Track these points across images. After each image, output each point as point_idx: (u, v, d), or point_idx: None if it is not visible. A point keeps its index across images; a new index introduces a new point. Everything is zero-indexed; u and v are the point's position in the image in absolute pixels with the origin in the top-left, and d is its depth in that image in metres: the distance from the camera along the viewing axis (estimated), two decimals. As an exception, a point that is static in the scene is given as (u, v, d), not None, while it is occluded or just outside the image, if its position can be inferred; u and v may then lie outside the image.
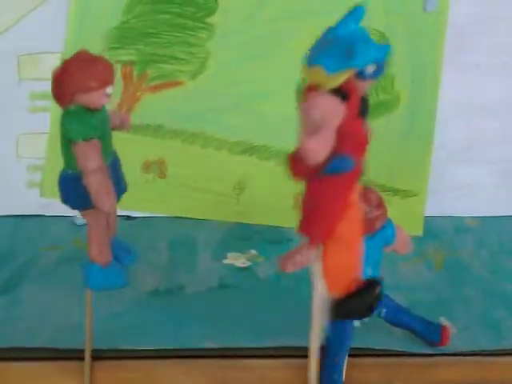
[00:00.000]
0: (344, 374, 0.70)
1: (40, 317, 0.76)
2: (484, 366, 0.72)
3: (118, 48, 0.92)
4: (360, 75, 0.52)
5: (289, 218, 0.89)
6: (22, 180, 0.93)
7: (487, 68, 0.92)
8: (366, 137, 0.56)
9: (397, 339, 0.73)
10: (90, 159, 0.59)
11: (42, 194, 0.93)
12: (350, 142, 0.54)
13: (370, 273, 0.66)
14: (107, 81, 0.59)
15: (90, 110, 0.59)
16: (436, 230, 0.91)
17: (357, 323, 0.72)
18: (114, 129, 0.65)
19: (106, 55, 0.90)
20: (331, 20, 0.89)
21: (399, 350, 0.73)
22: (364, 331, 0.71)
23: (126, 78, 0.92)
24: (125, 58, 0.92)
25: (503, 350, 0.74)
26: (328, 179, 0.54)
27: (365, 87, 0.54)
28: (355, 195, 0.57)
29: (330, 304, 0.60)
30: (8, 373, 0.71)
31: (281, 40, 0.91)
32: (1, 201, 0.92)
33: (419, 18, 0.90)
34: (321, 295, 0.59)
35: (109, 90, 0.59)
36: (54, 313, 0.76)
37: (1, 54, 0.90)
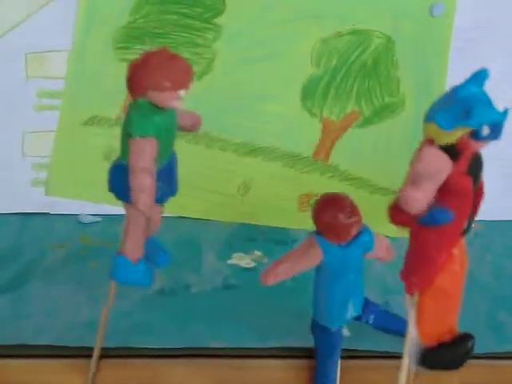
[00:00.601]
0: (338, 378, 0.70)
1: (47, 314, 0.76)
2: (488, 369, 0.72)
3: (125, 48, 0.93)
4: (475, 135, 0.54)
5: (293, 219, 0.90)
6: (28, 178, 0.93)
7: (492, 73, 0.92)
8: (470, 194, 0.57)
9: (399, 342, 0.74)
10: (141, 158, 0.59)
11: (47, 193, 0.93)
12: (453, 197, 0.56)
13: (352, 279, 0.66)
14: (183, 84, 0.59)
15: (158, 108, 0.59)
16: None
17: (346, 332, 0.72)
18: (183, 130, 0.64)
19: (114, 54, 0.92)
20: (337, 23, 0.91)
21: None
22: (366, 333, 0.71)
23: (133, 77, 0.92)
24: (132, 57, 0.92)
25: (507, 352, 0.74)
26: (432, 230, 0.57)
27: (479, 147, 0.56)
28: (458, 249, 0.60)
29: (421, 351, 0.62)
30: (15, 370, 0.71)
31: (287, 42, 0.92)
32: (6, 199, 0.93)
33: (426, 22, 0.90)
34: (413, 341, 0.61)
35: (182, 92, 0.59)
36: (61, 310, 0.76)
37: (8, 51, 0.91)
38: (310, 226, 0.88)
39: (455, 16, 0.90)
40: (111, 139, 0.91)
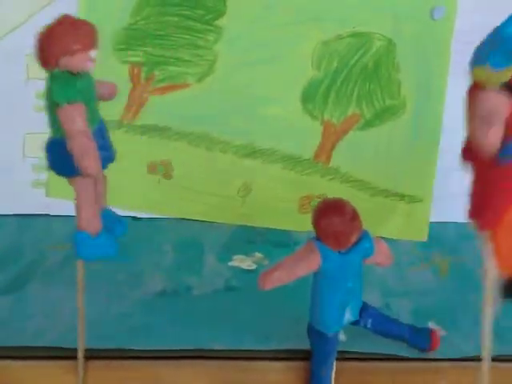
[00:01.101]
0: (333, 381, 0.70)
1: (47, 316, 0.76)
2: (490, 372, 0.72)
3: (125, 49, 0.93)
4: None
5: (294, 221, 0.90)
6: (28, 179, 0.93)
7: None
8: None
9: (398, 345, 0.74)
10: (74, 122, 0.59)
11: (47, 194, 0.93)
12: None
13: (350, 285, 0.66)
14: (91, 44, 0.60)
15: (75, 74, 0.60)
16: (441, 236, 0.91)
17: (342, 337, 0.72)
18: (101, 99, 0.65)
19: (115, 56, 0.92)
20: (338, 26, 0.91)
21: (403, 355, 0.73)
22: (362, 336, 0.71)
23: (134, 79, 0.92)
24: (132, 59, 0.93)
25: (508, 355, 0.74)
26: (504, 167, 0.58)
27: None
28: None
29: (502, 283, 0.63)
30: (15, 372, 0.71)
31: (288, 44, 0.92)
32: (7, 200, 0.92)
33: (426, 25, 0.90)
34: (492, 275, 0.62)
35: (92, 53, 0.60)
36: (61, 312, 0.76)
37: (9, 52, 0.91)
38: (310, 228, 0.88)
39: (456, 19, 0.90)
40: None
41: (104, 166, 0.63)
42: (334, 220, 0.64)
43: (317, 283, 0.67)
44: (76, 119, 0.59)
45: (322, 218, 0.65)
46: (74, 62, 0.59)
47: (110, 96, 0.67)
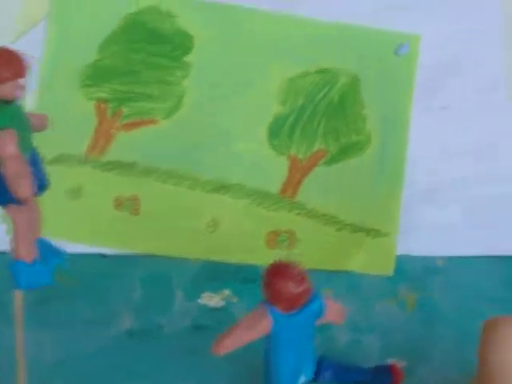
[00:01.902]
0: None
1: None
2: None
3: (92, 85, 0.93)
4: None
5: (262, 256, 0.90)
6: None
7: (456, 110, 0.94)
8: None
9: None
10: (7, 146, 0.60)
11: (8, 232, 0.92)
12: None
13: (301, 346, 0.67)
14: (20, 73, 0.61)
15: (4, 102, 0.61)
16: (407, 269, 0.91)
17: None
18: (33, 130, 0.66)
19: (81, 92, 0.93)
20: (303, 62, 0.92)
21: None
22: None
23: (100, 115, 0.92)
24: (99, 95, 0.93)
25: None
26: None
27: None
28: None
29: None
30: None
31: (254, 81, 0.93)
32: None
33: (391, 61, 0.92)
34: None
35: (22, 81, 0.62)
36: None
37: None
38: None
39: (420, 54, 0.92)
40: (78, 177, 0.91)
41: (37, 194, 0.64)
42: (283, 284, 0.64)
43: (269, 346, 0.68)
44: (8, 144, 0.61)
45: (271, 282, 0.65)
46: (4, 90, 0.61)
47: (41, 127, 0.68)
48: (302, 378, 0.69)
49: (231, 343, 0.65)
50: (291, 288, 0.64)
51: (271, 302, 0.65)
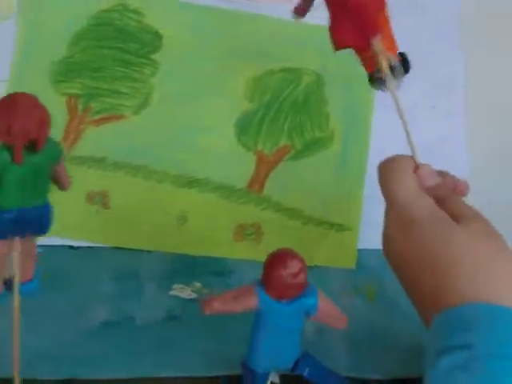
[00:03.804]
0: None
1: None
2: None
3: (63, 81, 0.94)
4: None
5: (230, 249, 0.92)
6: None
7: (416, 111, 0.97)
8: None
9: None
10: None
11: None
12: None
13: (284, 336, 0.69)
14: None
15: None
16: (367, 263, 0.93)
17: (275, 380, 0.74)
18: None
19: (53, 88, 0.94)
20: (268, 61, 0.95)
21: None
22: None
23: (71, 110, 0.94)
24: (70, 91, 0.94)
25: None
26: None
27: None
28: None
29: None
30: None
31: (222, 78, 0.95)
32: None
33: (353, 60, 0.94)
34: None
35: None
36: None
37: None
38: (245, 256, 0.91)
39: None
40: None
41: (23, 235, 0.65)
42: (276, 270, 0.66)
43: (255, 322, 0.70)
44: None
45: (267, 265, 0.67)
46: None
47: None
48: (280, 366, 0.71)
49: (218, 306, 0.67)
50: (283, 278, 0.66)
51: (263, 283, 0.67)
